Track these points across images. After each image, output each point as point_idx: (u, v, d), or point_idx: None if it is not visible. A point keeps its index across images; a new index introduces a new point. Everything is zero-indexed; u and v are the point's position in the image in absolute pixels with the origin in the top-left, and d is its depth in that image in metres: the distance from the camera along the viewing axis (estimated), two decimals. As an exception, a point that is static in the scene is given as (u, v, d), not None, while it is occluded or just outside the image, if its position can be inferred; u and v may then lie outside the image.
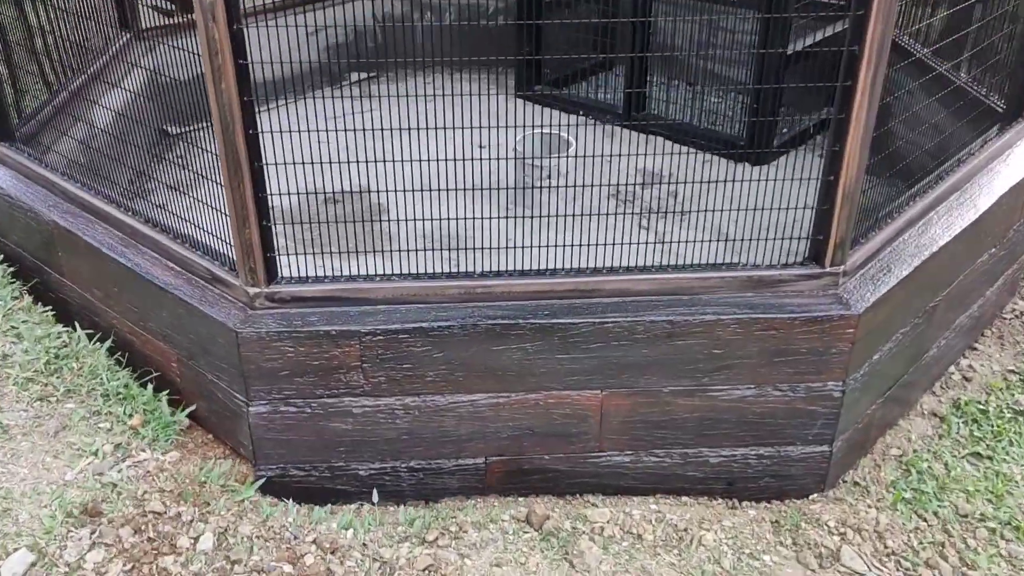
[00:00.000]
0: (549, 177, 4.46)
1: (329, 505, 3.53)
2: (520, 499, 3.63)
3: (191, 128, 3.28)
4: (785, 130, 4.97)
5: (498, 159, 3.31)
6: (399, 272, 3.29)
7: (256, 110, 2.91)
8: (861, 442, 3.82)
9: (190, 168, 3.29)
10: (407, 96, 3.05)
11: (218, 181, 3.05)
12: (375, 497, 3.50)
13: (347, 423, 3.39)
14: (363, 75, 5.82)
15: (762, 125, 4.60)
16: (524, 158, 4.36)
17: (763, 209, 3.28)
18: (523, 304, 3.29)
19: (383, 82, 5.82)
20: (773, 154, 4.73)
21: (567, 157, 4.33)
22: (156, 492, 3.24)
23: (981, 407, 4.28)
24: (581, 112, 5.30)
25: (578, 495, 3.62)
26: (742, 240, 3.33)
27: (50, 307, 4.09)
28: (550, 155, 4.36)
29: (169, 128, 4.25)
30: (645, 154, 3.50)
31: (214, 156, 3.00)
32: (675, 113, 5.19)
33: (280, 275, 3.25)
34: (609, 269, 3.33)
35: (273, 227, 3.14)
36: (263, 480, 3.45)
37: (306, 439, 3.41)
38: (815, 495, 3.69)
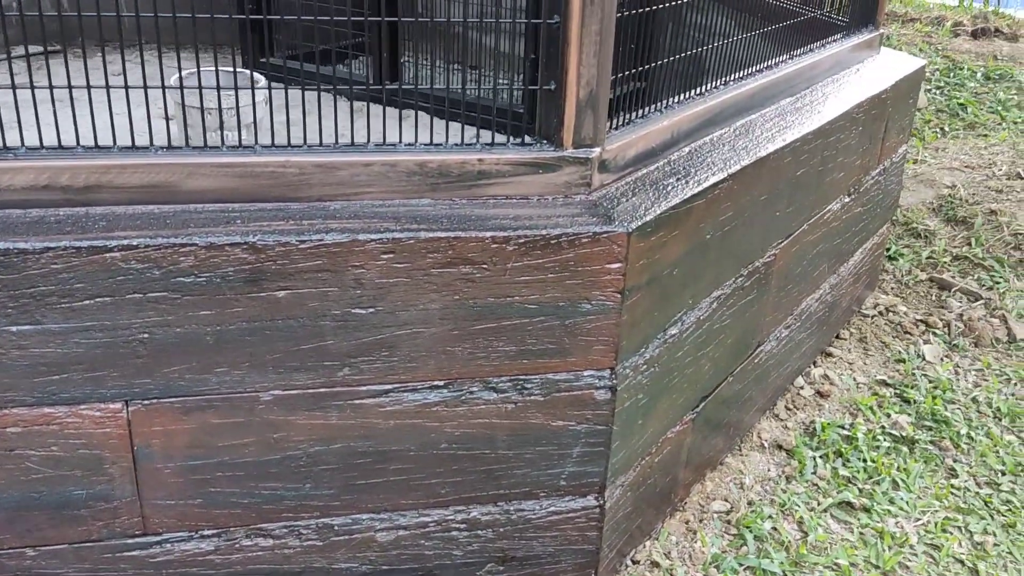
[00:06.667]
0: (222, 127, 2.72)
1: None
2: (-12, 644, 1.80)
3: None
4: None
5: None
6: None
7: None
8: (661, 490, 2.24)
9: None
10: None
11: None
12: None
13: None
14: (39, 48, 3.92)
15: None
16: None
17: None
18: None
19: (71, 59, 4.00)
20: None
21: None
22: None
23: (845, 433, 2.81)
24: (323, 86, 3.46)
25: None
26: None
27: None
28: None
29: None
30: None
31: None
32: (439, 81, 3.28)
33: None
34: (127, 148, 1.64)
35: None
36: None
37: None
38: (585, 591, 2.05)
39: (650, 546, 2.22)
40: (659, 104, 2.04)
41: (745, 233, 2.21)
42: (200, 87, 1.73)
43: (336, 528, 1.83)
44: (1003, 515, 2.52)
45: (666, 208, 1.83)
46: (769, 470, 2.60)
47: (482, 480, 1.86)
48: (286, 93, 1.72)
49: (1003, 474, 2.69)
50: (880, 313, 3.54)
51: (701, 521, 2.32)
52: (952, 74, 6.13)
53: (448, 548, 1.91)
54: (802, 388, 3.01)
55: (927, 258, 3.92)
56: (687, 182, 1.94)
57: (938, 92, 5.91)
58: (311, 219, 1.64)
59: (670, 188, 1.90)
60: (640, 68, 1.92)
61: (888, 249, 3.96)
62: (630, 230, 1.71)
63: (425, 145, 1.73)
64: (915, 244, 4.06)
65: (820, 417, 2.86)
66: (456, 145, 1.74)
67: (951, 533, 2.44)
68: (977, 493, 2.61)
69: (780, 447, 2.70)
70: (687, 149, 2.10)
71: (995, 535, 2.45)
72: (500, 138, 1.76)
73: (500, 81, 2.27)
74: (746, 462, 2.60)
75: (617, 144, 1.85)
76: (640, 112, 1.97)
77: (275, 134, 1.70)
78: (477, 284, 1.68)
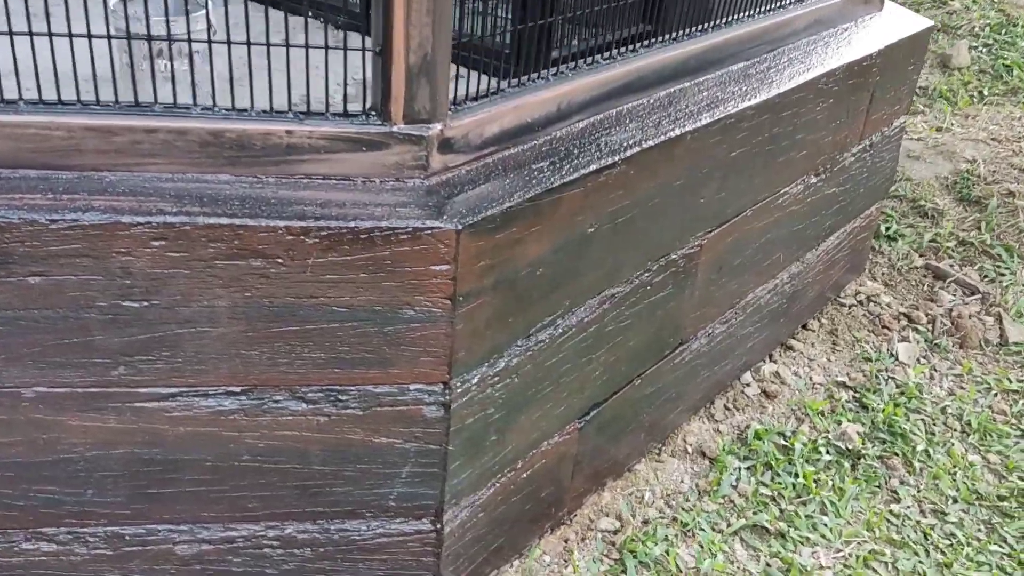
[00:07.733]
0: (160, 54, 2.46)
1: None
2: None
3: None
4: (575, 42, 2.95)
5: None
6: None
7: None
8: (534, 506, 2.00)
9: None
10: None
11: None
12: None
13: None
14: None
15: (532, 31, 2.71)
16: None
17: None
18: None
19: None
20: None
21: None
22: None
23: (782, 443, 2.53)
24: (311, 13, 3.19)
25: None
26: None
27: None
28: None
29: None
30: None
31: None
32: None
33: None
34: None
35: None
36: None
37: None
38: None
39: (518, 565, 1.99)
40: (545, 71, 1.73)
41: (651, 223, 1.91)
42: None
43: (127, 538, 1.64)
44: (941, 551, 2.24)
45: (523, 199, 1.54)
46: (683, 481, 2.34)
47: (296, 496, 1.64)
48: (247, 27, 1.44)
49: (954, 501, 2.40)
50: (860, 303, 3.20)
51: (583, 540, 2.08)
52: (1004, 31, 5.55)
53: (260, 566, 1.70)
54: (748, 386, 2.72)
55: (929, 241, 3.54)
56: (562, 167, 1.65)
57: (985, 51, 5.37)
58: (74, 194, 1.39)
59: (537, 174, 1.61)
60: (508, 28, 1.62)
61: (887, 229, 3.59)
62: (460, 227, 1.44)
63: (226, 111, 1.46)
64: (919, 224, 3.68)
65: (759, 421, 2.58)
66: (263, 112, 1.47)
67: (873, 570, 2.17)
68: (918, 523, 2.32)
69: (703, 454, 2.44)
70: (581, 125, 1.80)
71: (926, 576, 2.18)
72: (318, 106, 1.48)
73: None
74: (659, 471, 2.35)
75: (471, 119, 1.56)
76: (515, 81, 1.67)
77: (234, 69, 1.40)
78: (272, 281, 1.43)
